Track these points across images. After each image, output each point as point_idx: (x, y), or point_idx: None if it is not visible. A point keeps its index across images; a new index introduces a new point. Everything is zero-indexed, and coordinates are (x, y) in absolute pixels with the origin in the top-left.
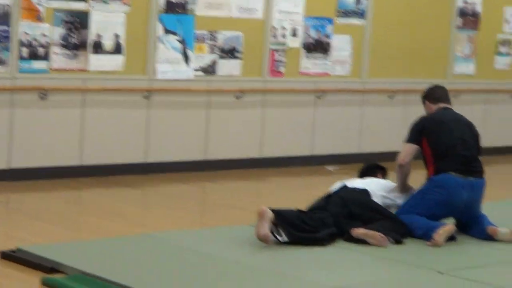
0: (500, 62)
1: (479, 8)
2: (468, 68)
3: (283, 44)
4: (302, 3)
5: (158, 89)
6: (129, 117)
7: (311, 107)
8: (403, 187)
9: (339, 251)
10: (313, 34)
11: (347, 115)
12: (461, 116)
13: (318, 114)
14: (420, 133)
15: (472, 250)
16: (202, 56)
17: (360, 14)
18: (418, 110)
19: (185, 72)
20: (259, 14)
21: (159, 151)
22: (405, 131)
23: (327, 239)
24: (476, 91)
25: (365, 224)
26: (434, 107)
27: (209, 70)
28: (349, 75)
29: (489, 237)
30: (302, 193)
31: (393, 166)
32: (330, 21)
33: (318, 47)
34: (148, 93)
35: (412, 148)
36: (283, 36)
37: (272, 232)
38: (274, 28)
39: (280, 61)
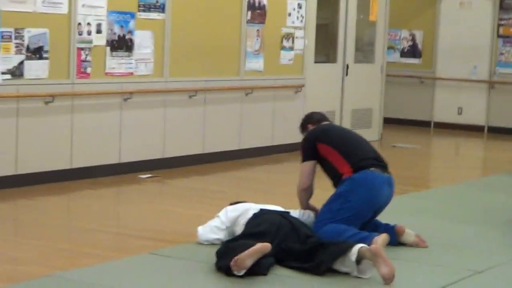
0: (285, 57)
1: (265, 1)
2: (257, 64)
3: (89, 41)
4: None
5: None
6: None
7: (117, 110)
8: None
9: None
10: (117, 30)
11: (151, 117)
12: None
13: (124, 118)
14: (313, 144)
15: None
16: (9, 57)
17: (160, 8)
18: (216, 109)
19: None
20: (64, 9)
21: None
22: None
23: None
24: (265, 88)
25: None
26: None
27: (17, 72)
28: (151, 74)
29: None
30: (112, 206)
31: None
32: (132, 15)
33: (122, 44)
34: None
35: (310, 166)
36: (89, 33)
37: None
38: (79, 24)
39: (87, 61)
